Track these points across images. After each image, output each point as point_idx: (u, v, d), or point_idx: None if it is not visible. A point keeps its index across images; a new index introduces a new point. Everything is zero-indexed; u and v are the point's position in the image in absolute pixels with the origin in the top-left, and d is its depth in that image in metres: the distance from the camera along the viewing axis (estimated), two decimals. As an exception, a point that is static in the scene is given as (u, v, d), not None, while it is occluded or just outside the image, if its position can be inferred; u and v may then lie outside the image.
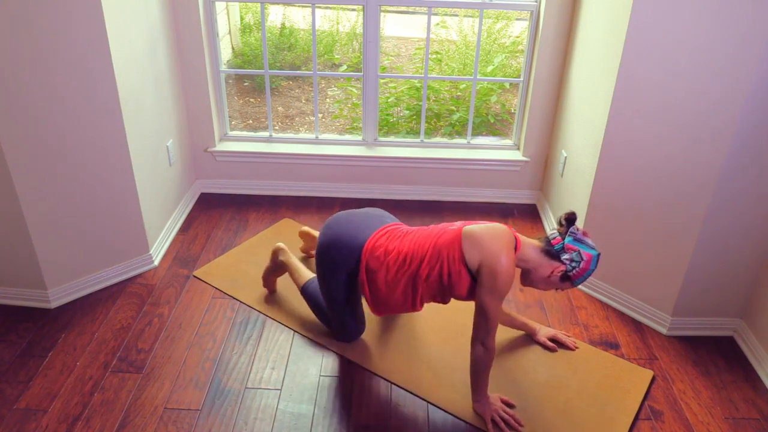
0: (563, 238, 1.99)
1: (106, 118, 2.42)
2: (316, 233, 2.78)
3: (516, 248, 2.00)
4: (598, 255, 1.99)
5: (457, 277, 2.00)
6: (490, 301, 1.94)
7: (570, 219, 2.00)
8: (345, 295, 2.24)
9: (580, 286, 2.78)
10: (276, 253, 2.58)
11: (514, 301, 2.68)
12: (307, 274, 2.49)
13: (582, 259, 1.97)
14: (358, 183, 3.44)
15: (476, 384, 2.08)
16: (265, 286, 2.65)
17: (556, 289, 2.07)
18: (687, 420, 2.15)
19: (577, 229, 1.99)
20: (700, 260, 2.37)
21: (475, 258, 1.96)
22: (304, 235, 2.85)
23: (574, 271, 1.98)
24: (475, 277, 1.99)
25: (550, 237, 2.03)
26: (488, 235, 1.97)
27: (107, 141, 2.46)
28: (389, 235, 2.15)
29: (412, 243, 2.09)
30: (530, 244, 2.05)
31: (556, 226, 2.06)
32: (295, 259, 2.56)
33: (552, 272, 2.01)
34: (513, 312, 2.44)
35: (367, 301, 2.19)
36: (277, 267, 2.58)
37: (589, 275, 2.01)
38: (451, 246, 2.00)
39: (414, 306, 2.14)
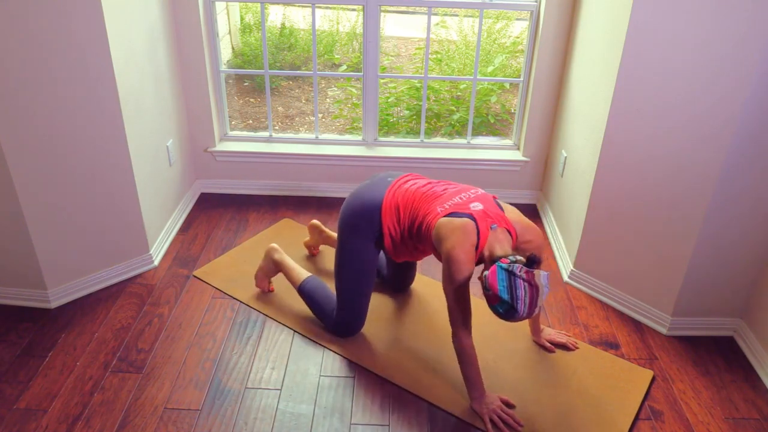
0: (507, 262, 1.85)
1: (106, 118, 2.42)
2: (326, 229, 2.83)
3: (478, 246, 2.01)
4: (509, 307, 1.81)
5: (424, 248, 2.23)
6: (448, 288, 2.01)
7: (529, 259, 1.85)
8: (367, 272, 2.30)
9: (580, 286, 2.78)
10: (269, 253, 2.58)
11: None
12: (304, 273, 2.50)
13: (487, 286, 1.84)
14: (358, 183, 3.43)
15: (467, 380, 2.10)
16: (258, 285, 2.65)
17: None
18: (687, 420, 2.15)
19: (522, 270, 1.82)
20: (700, 260, 2.38)
21: (438, 245, 2.08)
22: (313, 229, 2.85)
23: (485, 293, 1.87)
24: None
25: (511, 257, 1.88)
26: (449, 230, 2.03)
27: (107, 141, 2.46)
28: (403, 192, 2.26)
29: (420, 200, 2.20)
30: (494, 247, 1.99)
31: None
32: (289, 259, 2.56)
33: (480, 276, 1.93)
34: None
35: (387, 248, 2.28)
36: (270, 267, 2.59)
37: (501, 317, 1.85)
38: (428, 227, 2.13)
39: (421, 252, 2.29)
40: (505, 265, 1.84)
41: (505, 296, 1.81)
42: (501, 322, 2.52)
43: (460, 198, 2.13)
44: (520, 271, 1.82)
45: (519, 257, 1.88)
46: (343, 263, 2.30)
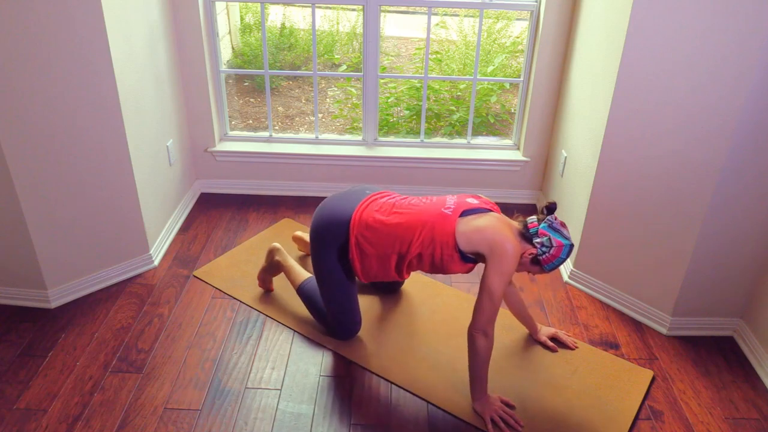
0: (539, 224, 2.06)
1: (106, 118, 2.42)
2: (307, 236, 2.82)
3: None
4: (570, 245, 2.04)
5: (449, 260, 2.10)
6: (498, 283, 1.98)
7: (550, 208, 2.07)
8: (343, 281, 2.25)
9: (580, 286, 2.78)
10: (271, 252, 2.58)
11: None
12: (304, 274, 2.50)
13: (552, 245, 2.02)
14: (358, 183, 3.43)
15: (476, 379, 2.08)
16: (260, 285, 2.65)
17: (528, 272, 2.13)
18: (687, 420, 2.15)
19: (555, 219, 2.05)
20: (700, 260, 2.38)
21: (474, 247, 2.04)
22: (297, 240, 2.86)
23: (544, 256, 2.04)
24: (467, 257, 2.08)
25: (528, 221, 2.10)
26: (488, 228, 2.03)
27: (107, 141, 2.46)
28: (379, 207, 2.20)
29: (404, 218, 2.13)
30: (510, 224, 2.10)
31: (537, 214, 2.12)
32: (291, 259, 2.56)
33: (523, 254, 2.06)
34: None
35: (355, 269, 2.22)
36: (272, 267, 2.58)
37: (560, 263, 2.06)
38: (445, 234, 2.06)
39: (401, 275, 2.22)
40: (546, 225, 2.05)
41: (566, 241, 2.03)
42: (499, 323, 2.52)
43: (452, 199, 2.17)
44: (555, 220, 2.05)
45: (533, 217, 2.10)
46: (319, 275, 2.29)
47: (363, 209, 2.20)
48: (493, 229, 2.02)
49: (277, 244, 2.59)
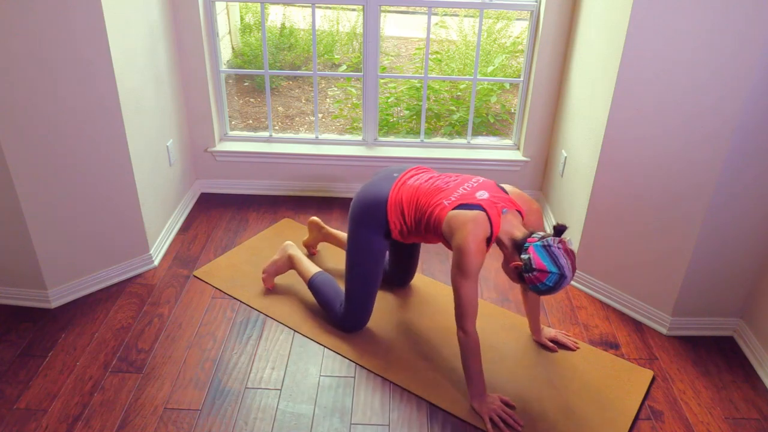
0: (536, 239, 1.96)
1: (106, 118, 2.42)
2: (325, 225, 2.86)
3: (491, 237, 2.04)
4: (559, 275, 1.90)
5: (432, 237, 2.20)
6: (459, 280, 2.00)
7: (557, 229, 1.98)
8: (374, 270, 2.32)
9: (580, 286, 2.78)
10: (285, 247, 2.67)
11: (515, 301, 2.68)
12: (314, 268, 2.56)
13: (532, 267, 1.91)
14: (358, 183, 3.44)
15: (467, 373, 2.10)
16: (264, 280, 2.67)
17: (521, 286, 2.11)
18: (687, 420, 2.15)
19: (558, 242, 1.93)
20: (700, 260, 2.38)
21: (449, 236, 2.08)
22: (312, 225, 2.87)
23: (527, 275, 1.94)
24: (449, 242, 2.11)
25: (534, 235, 2.00)
26: (461, 222, 2.04)
27: (107, 141, 2.46)
28: (408, 187, 2.27)
29: (424, 195, 2.21)
30: (512, 232, 2.05)
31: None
32: (302, 255, 2.63)
33: (512, 264, 2.02)
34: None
35: (398, 239, 2.31)
36: (284, 261, 2.64)
37: (548, 291, 1.93)
38: (437, 220, 2.13)
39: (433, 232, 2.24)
40: (539, 243, 1.94)
41: (554, 269, 1.90)
42: (499, 321, 2.52)
43: (464, 189, 2.15)
44: (555, 243, 1.93)
45: (542, 233, 2.00)
46: (355, 258, 2.33)
47: (396, 191, 2.26)
48: (461, 223, 2.02)
49: (290, 242, 2.69)
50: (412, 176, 2.32)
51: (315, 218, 2.86)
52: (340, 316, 2.42)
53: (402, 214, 2.23)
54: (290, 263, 2.63)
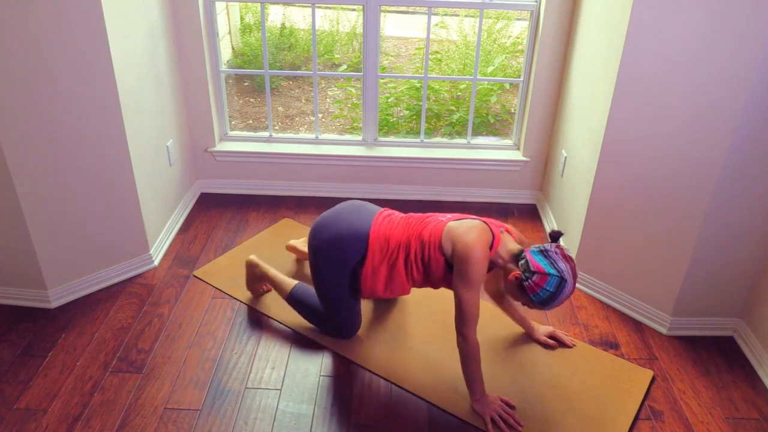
0: (532, 247, 1.98)
1: (106, 118, 2.42)
2: (301, 246, 2.80)
3: (492, 246, 2.04)
4: (559, 278, 1.88)
5: (435, 263, 2.10)
6: (462, 289, 1.99)
7: (552, 235, 1.99)
8: (351, 289, 2.25)
9: (580, 286, 2.78)
10: (250, 266, 2.55)
11: (514, 302, 2.68)
12: (290, 282, 2.47)
13: (531, 271, 1.90)
14: (358, 183, 3.44)
15: (467, 378, 2.10)
16: (253, 294, 2.63)
17: (523, 303, 2.01)
18: (687, 420, 2.15)
19: (555, 247, 1.94)
20: (700, 260, 2.38)
21: (449, 247, 2.06)
22: (293, 249, 2.83)
23: (527, 282, 1.92)
24: (451, 264, 2.08)
25: (531, 245, 2.02)
26: (465, 228, 2.04)
27: (107, 141, 2.46)
28: (388, 223, 2.22)
29: (403, 230, 2.17)
30: (509, 247, 2.05)
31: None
32: (273, 270, 2.52)
33: (509, 276, 1.99)
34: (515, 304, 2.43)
35: (364, 285, 2.20)
36: (255, 278, 2.57)
37: (550, 299, 1.91)
38: (433, 234, 2.10)
39: (409, 280, 2.20)
40: (536, 249, 1.95)
41: (552, 271, 1.89)
42: (500, 322, 2.52)
43: (452, 215, 2.17)
44: (553, 248, 1.93)
45: (538, 244, 1.99)
46: (323, 290, 2.28)
47: (378, 226, 2.19)
48: (466, 230, 2.01)
49: (252, 258, 2.55)
50: (390, 213, 2.28)
51: (292, 242, 2.81)
52: (327, 328, 2.39)
53: (386, 248, 2.15)
54: (262, 277, 2.53)
